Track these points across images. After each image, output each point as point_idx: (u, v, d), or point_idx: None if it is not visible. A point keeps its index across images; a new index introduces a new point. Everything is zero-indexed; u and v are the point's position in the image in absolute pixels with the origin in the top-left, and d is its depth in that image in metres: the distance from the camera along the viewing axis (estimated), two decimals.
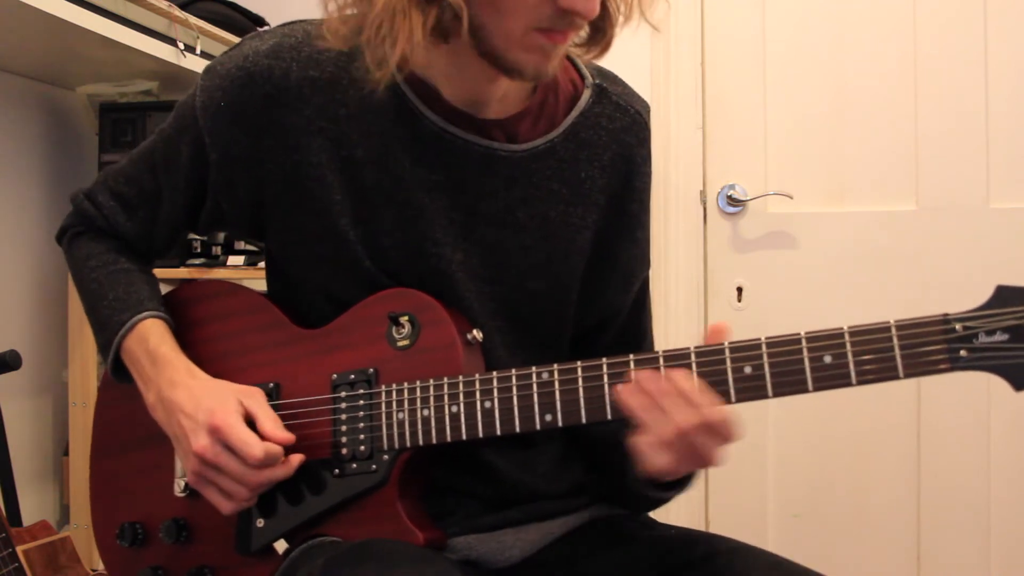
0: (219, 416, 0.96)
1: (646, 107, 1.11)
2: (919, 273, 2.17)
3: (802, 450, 2.28)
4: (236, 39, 2.18)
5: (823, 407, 2.24)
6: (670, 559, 0.98)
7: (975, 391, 2.14)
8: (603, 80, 1.08)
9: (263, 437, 0.96)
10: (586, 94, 1.06)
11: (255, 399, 1.00)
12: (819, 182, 2.28)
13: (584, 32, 0.97)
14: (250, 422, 0.98)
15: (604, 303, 1.09)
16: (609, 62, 1.10)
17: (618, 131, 1.07)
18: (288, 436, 0.98)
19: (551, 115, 1.04)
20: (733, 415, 0.85)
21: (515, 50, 0.89)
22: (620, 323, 1.11)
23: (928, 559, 2.20)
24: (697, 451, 0.85)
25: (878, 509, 2.23)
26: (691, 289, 2.32)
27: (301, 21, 1.02)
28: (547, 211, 1.03)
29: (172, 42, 2.01)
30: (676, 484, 0.99)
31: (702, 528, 2.32)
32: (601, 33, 0.97)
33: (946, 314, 0.80)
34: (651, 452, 0.86)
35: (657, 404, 0.85)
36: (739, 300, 2.32)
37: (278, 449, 0.97)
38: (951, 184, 2.18)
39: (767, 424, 2.29)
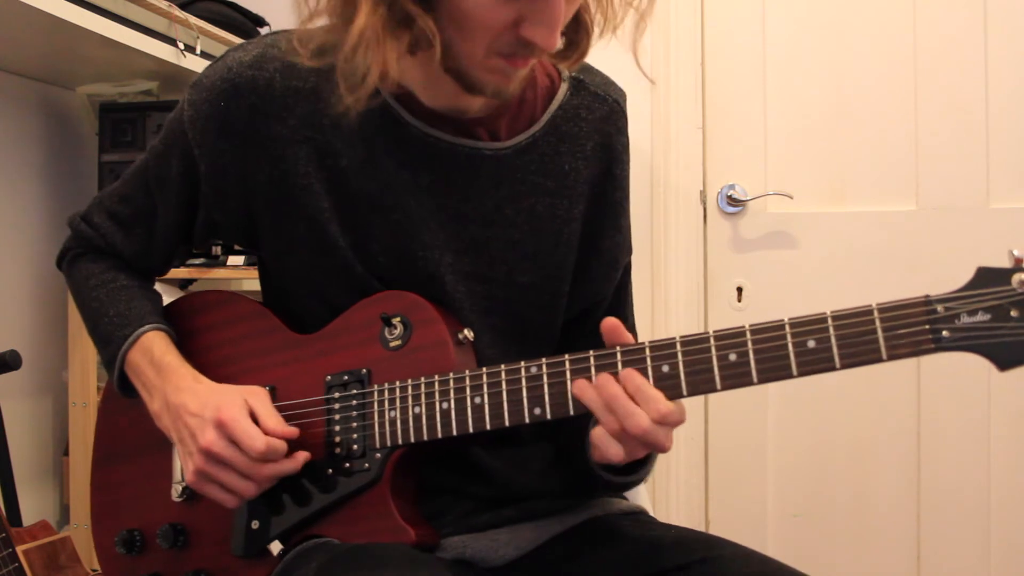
0: (225, 411, 0.97)
1: (623, 95, 1.12)
2: (919, 273, 2.17)
3: (802, 450, 2.28)
4: (236, 39, 2.18)
5: (823, 407, 2.24)
6: (665, 561, 0.98)
7: (975, 392, 2.14)
8: (579, 72, 1.09)
9: (265, 432, 0.97)
10: (563, 87, 1.07)
11: (258, 397, 1.00)
12: (819, 182, 2.28)
13: (560, 43, 0.98)
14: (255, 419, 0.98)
15: (589, 291, 1.10)
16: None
17: (598, 120, 1.08)
18: (290, 430, 0.99)
19: (530, 111, 1.05)
20: (678, 406, 0.88)
21: (477, 70, 0.91)
22: (603, 309, 1.12)
23: (928, 559, 2.19)
24: (647, 441, 0.87)
25: (878, 509, 2.23)
26: (691, 289, 2.32)
27: (285, 31, 1.02)
28: (534, 205, 1.04)
29: (172, 42, 2.01)
30: (632, 468, 1.00)
31: (702, 528, 2.32)
32: (574, 46, 0.98)
33: (928, 296, 0.80)
34: (604, 443, 0.88)
35: (609, 405, 0.87)
36: (739, 300, 2.32)
37: (281, 444, 0.97)
38: (951, 184, 2.18)
39: (767, 424, 2.29)
